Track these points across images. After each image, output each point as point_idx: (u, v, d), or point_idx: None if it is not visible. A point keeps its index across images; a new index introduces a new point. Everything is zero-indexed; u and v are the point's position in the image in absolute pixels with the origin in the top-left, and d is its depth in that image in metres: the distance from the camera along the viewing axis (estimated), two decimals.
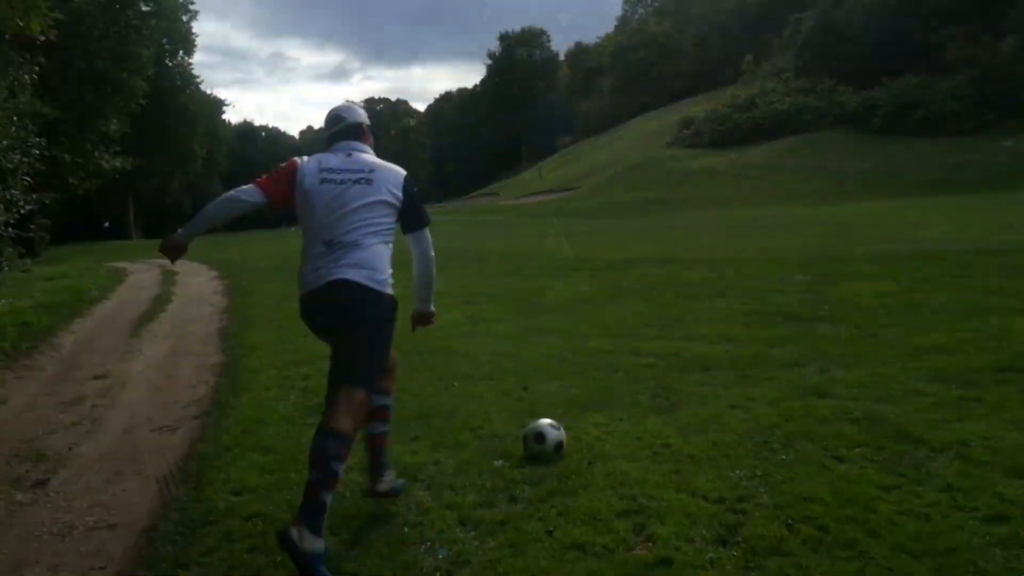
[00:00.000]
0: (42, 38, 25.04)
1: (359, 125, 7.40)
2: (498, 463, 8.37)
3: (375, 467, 7.60)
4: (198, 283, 29.17)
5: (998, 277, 18.43)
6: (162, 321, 20.60)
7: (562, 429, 8.67)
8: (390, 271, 6.94)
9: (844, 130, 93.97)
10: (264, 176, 7.15)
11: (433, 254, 7.20)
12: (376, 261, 6.84)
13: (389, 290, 6.88)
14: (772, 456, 8.07)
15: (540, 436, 8.52)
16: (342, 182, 6.98)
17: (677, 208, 75.27)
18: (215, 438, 9.85)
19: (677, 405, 10.06)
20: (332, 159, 7.14)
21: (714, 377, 11.32)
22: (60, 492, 8.65)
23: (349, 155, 7.15)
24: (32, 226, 36.70)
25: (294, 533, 6.06)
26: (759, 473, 7.63)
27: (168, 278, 31.58)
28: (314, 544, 6.09)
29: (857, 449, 8.14)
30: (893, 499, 6.91)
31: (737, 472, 7.70)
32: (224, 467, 8.77)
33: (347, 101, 7.39)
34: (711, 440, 8.67)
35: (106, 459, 9.67)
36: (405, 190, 7.06)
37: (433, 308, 7.43)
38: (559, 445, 8.51)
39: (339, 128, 7.32)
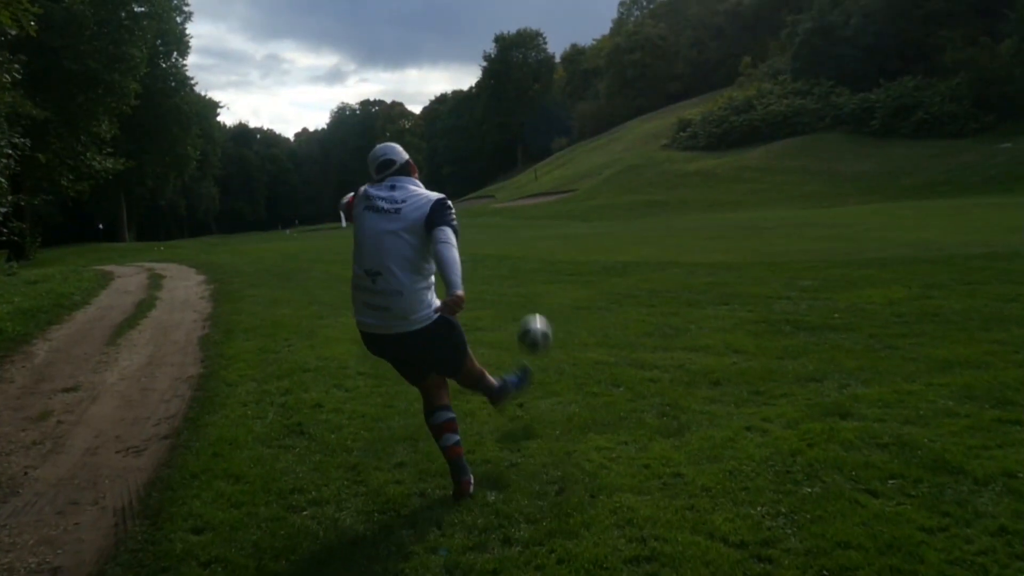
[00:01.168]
0: (21, 33, 24.37)
1: (407, 163, 8.02)
2: (491, 496, 7.57)
3: (457, 471, 7.89)
4: (185, 287, 28.71)
5: (1012, 283, 17.73)
6: (143, 328, 19.99)
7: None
8: (427, 286, 7.65)
9: (841, 132, 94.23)
10: None
11: (455, 240, 7.39)
12: (416, 299, 7.55)
13: (433, 308, 7.62)
14: (796, 489, 7.25)
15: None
16: (381, 210, 7.63)
17: (675, 210, 75.30)
18: (182, 463, 9.19)
19: (686, 426, 9.29)
20: (378, 190, 7.80)
21: (724, 393, 10.55)
22: (6, 525, 7.96)
23: (393, 187, 7.78)
24: (6, 228, 35.84)
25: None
26: (783, 510, 6.82)
27: (155, 282, 31.05)
28: None
29: (891, 481, 7.31)
30: (940, 544, 6.10)
31: (759, 509, 6.90)
32: (188, 499, 8.10)
33: (387, 144, 8.21)
34: (726, 469, 7.87)
35: (63, 485, 9.05)
36: (432, 207, 7.54)
37: (461, 292, 7.15)
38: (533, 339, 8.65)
39: (391, 171, 7.92)
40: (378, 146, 8.09)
